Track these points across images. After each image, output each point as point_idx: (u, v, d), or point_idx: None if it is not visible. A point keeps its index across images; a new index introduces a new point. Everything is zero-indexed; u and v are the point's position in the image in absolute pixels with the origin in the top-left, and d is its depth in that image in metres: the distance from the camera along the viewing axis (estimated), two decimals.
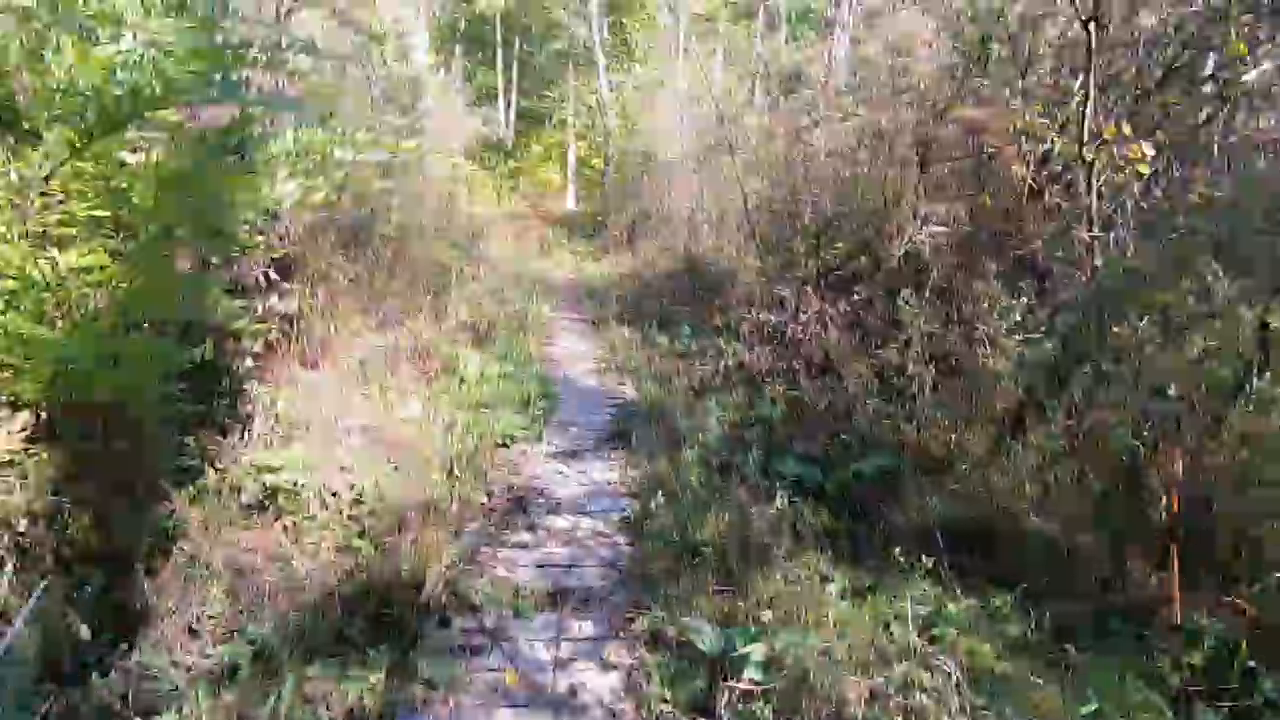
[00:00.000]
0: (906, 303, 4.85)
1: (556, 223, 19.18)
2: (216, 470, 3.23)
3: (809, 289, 5.62)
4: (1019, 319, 4.54)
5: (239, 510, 3.14)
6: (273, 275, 4.51)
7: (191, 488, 3.04)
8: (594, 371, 6.63)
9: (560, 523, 3.87)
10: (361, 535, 3.24)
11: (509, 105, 24.82)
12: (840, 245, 6.11)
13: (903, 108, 5.75)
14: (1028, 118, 4.69)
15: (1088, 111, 3.98)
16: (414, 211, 7.85)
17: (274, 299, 4.37)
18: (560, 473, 4.46)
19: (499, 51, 24.14)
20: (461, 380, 5.18)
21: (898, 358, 4.80)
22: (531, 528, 3.81)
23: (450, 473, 3.95)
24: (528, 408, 5.18)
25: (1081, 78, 4.38)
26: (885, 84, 6.04)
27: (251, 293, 4.08)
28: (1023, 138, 4.93)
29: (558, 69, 22.53)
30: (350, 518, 3.36)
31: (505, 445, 4.64)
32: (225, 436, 3.48)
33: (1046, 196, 4.93)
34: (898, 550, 3.13)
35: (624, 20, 19.36)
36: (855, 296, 5.38)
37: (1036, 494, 3.59)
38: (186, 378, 2.90)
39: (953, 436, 4.25)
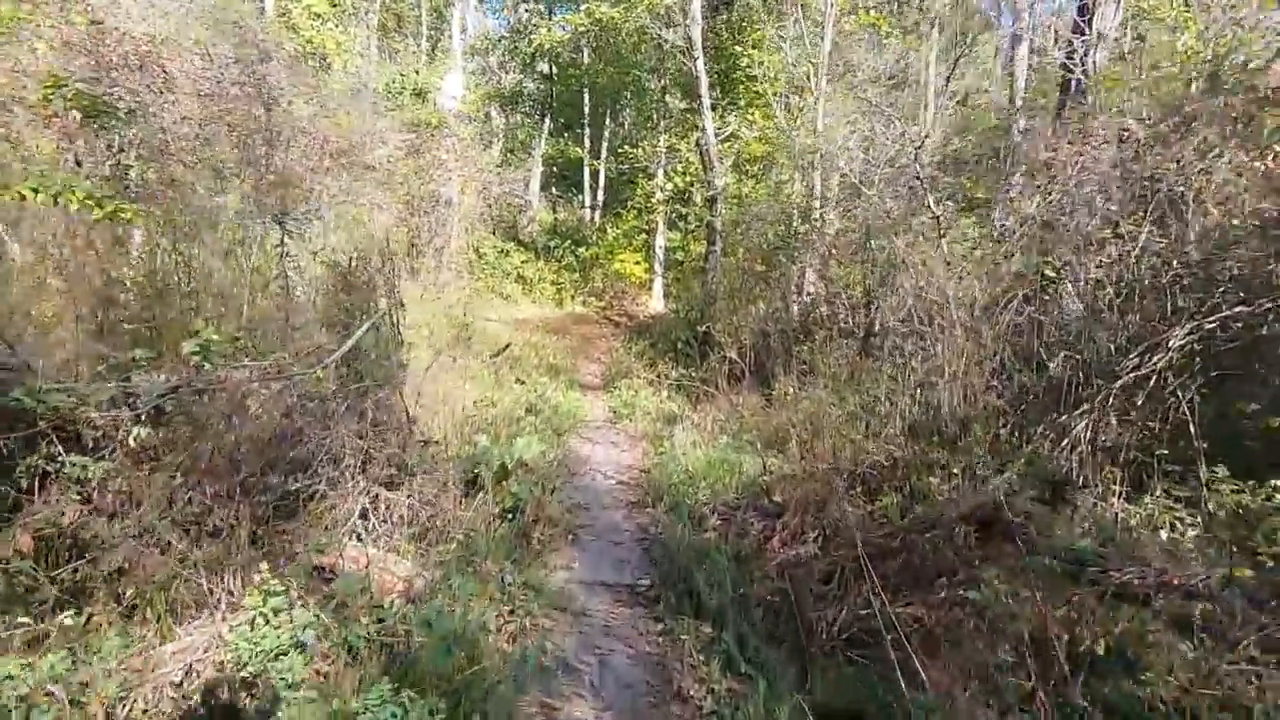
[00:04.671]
0: None
1: (636, 330, 13.07)
2: None
3: None
4: None
5: None
6: None
7: None
8: None
9: None
10: None
11: (595, 183, 19.84)
12: None
13: None
14: None
15: None
16: None
17: None
18: None
19: (586, 122, 19.45)
20: None
21: None
22: None
23: None
24: None
25: None
26: None
27: None
28: None
29: (647, 133, 17.39)
30: None
31: None
32: None
33: None
34: None
35: (737, 51, 13.81)
36: None
37: None
38: None
39: None
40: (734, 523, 3.91)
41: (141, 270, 4.85)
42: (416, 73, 15.17)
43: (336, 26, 14.36)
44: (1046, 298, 4.68)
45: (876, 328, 6.29)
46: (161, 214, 5.47)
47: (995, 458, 3.99)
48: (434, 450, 4.19)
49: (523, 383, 8.22)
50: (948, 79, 9.05)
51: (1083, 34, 7.82)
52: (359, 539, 3.18)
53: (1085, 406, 3.76)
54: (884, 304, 6.01)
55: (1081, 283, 4.19)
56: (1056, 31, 10.09)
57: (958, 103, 10.49)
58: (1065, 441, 3.63)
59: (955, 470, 4.00)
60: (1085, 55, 6.99)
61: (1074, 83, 7.22)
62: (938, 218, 4.56)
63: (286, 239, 4.84)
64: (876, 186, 5.90)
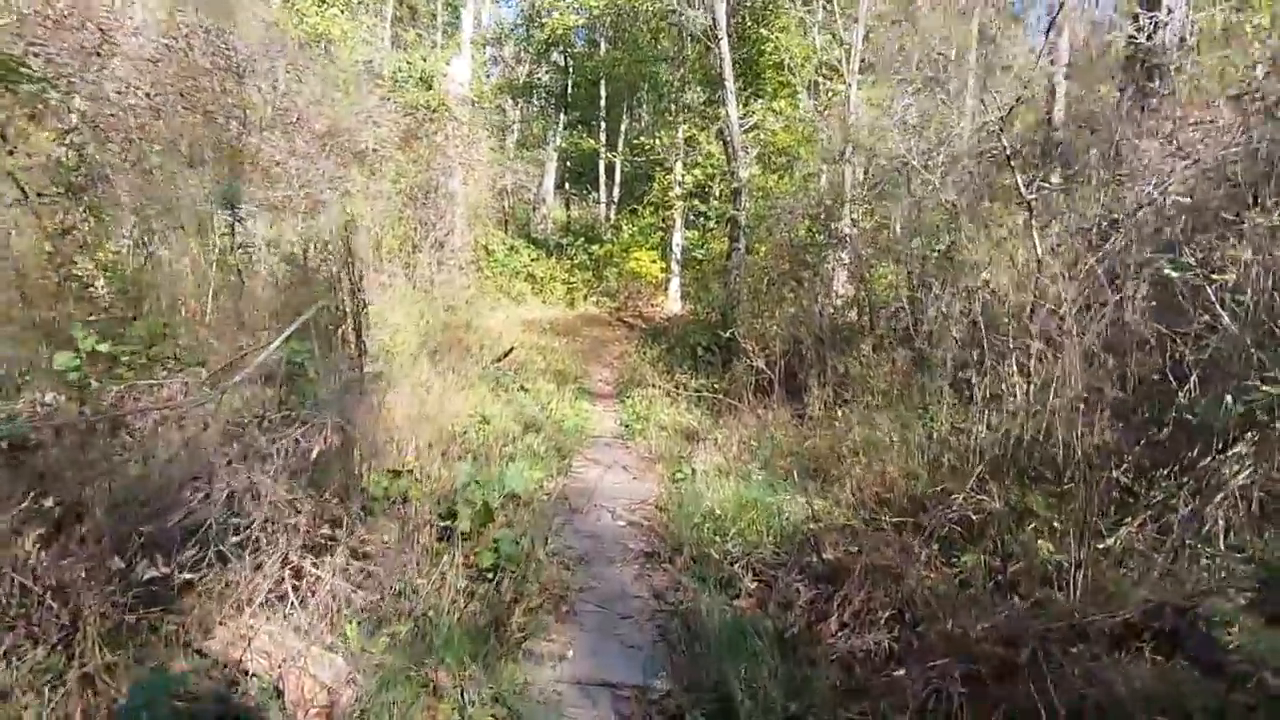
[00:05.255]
0: None
1: (651, 333, 12.24)
2: None
3: None
4: None
5: None
6: None
7: None
8: None
9: None
10: None
11: (610, 178, 19.07)
12: None
13: None
14: None
15: None
16: None
17: None
18: None
19: (602, 115, 18.67)
20: None
21: None
22: None
23: None
24: None
25: None
26: None
27: None
28: None
29: (665, 126, 16.54)
30: None
31: None
32: None
33: None
34: None
35: (763, 35, 12.94)
36: None
37: None
38: None
39: None
40: (775, 588, 3.07)
41: (92, 265, 4.14)
42: (424, 59, 14.46)
43: (343, 13, 13.73)
44: (1153, 303, 3.80)
45: (927, 332, 5.41)
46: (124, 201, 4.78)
47: (1112, 511, 3.13)
48: (403, 485, 3.39)
49: (526, 390, 7.44)
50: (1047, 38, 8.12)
51: (1153, 10, 6.84)
52: (285, 616, 2.38)
53: (1239, 448, 2.88)
54: (943, 307, 5.12)
55: (1217, 285, 3.30)
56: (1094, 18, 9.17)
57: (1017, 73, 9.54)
58: (1221, 496, 2.75)
59: (1056, 524, 3.15)
60: (1154, 34, 6.10)
61: (1140, 62, 6.27)
62: (1029, 203, 3.69)
63: (239, 226, 4.08)
64: (935, 171, 5.01)
